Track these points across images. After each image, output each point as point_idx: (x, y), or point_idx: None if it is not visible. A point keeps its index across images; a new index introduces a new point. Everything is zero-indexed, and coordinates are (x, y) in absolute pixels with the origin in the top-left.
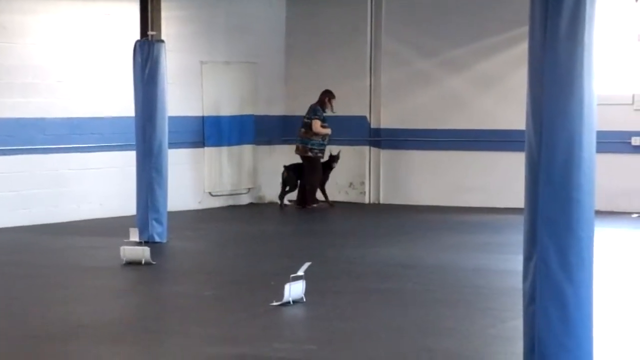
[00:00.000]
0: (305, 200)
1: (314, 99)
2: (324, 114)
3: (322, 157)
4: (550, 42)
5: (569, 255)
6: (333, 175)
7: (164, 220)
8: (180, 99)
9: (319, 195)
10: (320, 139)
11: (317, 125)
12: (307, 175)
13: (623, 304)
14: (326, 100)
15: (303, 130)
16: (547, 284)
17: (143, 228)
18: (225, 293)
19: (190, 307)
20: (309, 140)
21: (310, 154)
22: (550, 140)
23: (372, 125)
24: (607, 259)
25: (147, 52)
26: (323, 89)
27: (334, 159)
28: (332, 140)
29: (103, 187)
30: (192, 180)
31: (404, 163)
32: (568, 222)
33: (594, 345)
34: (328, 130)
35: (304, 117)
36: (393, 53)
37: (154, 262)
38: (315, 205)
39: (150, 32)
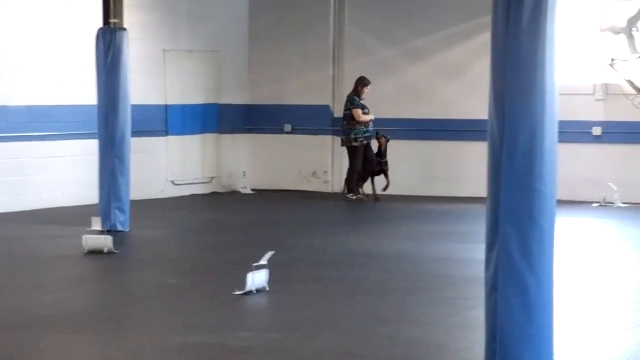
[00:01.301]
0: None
1: (277, 87)
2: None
3: (369, 144)
4: (513, 33)
5: (530, 244)
6: (296, 164)
7: (127, 208)
8: (143, 87)
9: (367, 187)
10: (363, 127)
11: (358, 113)
12: (349, 165)
13: (583, 292)
14: (360, 87)
15: (345, 122)
16: (509, 273)
17: (105, 217)
18: (188, 282)
19: (153, 296)
20: (351, 131)
21: (355, 143)
22: (512, 130)
23: (336, 115)
24: (569, 247)
25: (109, 40)
26: (285, 78)
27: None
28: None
29: (65, 175)
30: (155, 168)
31: None
32: (530, 211)
33: (554, 332)
34: (371, 116)
35: (343, 109)
36: (357, 42)
37: (116, 251)
38: (353, 196)
39: (112, 20)
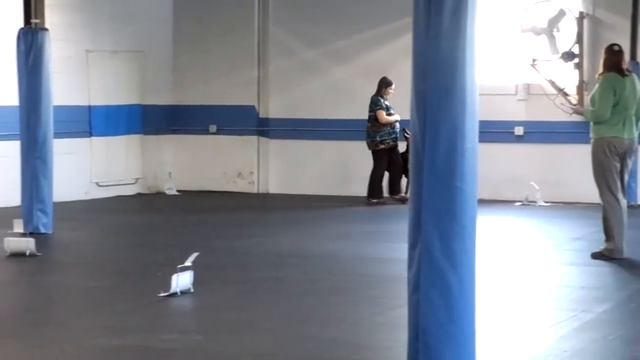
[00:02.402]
0: (391, 190)
1: (202, 88)
2: (386, 103)
3: (396, 146)
4: (433, 34)
5: (452, 243)
6: (221, 165)
7: (50, 211)
8: (65, 88)
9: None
10: (389, 128)
11: (382, 115)
12: (373, 168)
13: (505, 291)
14: (383, 88)
15: (369, 124)
16: (431, 272)
17: (28, 219)
18: (112, 284)
19: (76, 299)
20: (376, 133)
21: (382, 146)
22: (433, 131)
23: (261, 115)
24: (491, 246)
25: (30, 40)
26: (210, 78)
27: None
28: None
29: None
30: (79, 170)
31: (293, 153)
32: (451, 210)
33: (476, 331)
34: (396, 117)
35: (368, 111)
36: (281, 43)
37: (39, 254)
38: (374, 200)
39: (33, 20)
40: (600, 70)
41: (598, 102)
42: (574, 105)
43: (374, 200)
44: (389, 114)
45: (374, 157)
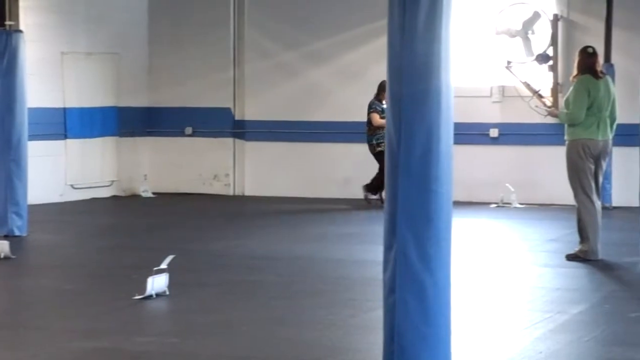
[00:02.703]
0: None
1: (178, 90)
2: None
3: None
4: (408, 36)
5: (427, 245)
6: (197, 167)
7: (24, 213)
8: (40, 90)
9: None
10: (384, 131)
11: (375, 118)
12: (378, 170)
13: (480, 293)
14: (382, 93)
15: (367, 128)
16: (406, 274)
17: (2, 222)
18: (87, 287)
19: (50, 302)
20: (372, 137)
21: (380, 148)
22: (408, 133)
23: (237, 117)
24: (466, 248)
25: (4, 42)
26: (185, 80)
27: None
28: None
29: None
30: (54, 172)
31: (269, 155)
32: (426, 213)
33: (452, 333)
34: None
35: (366, 115)
36: (256, 45)
37: (13, 256)
38: (373, 196)
39: (8, 22)
40: (575, 72)
41: (572, 104)
42: (549, 107)
43: (370, 195)
44: (383, 117)
45: (377, 160)
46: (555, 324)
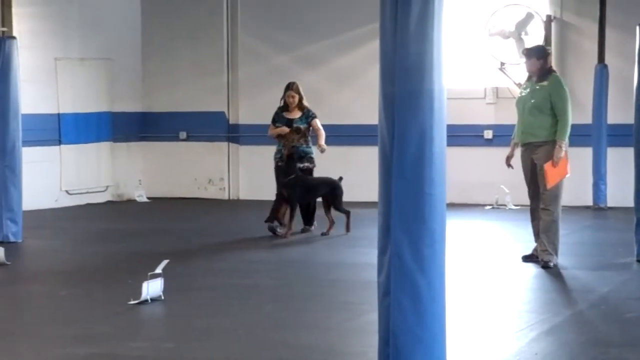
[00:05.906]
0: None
1: (172, 95)
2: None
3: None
4: (400, 38)
5: (421, 247)
6: (192, 171)
7: (19, 219)
8: (34, 96)
9: None
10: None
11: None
12: None
13: (475, 294)
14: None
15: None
16: (401, 277)
17: None
18: (82, 292)
19: (46, 307)
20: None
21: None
22: (401, 135)
23: (231, 121)
24: (461, 250)
25: None
26: (179, 85)
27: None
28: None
29: None
30: (49, 178)
31: (263, 159)
32: (420, 215)
33: (447, 335)
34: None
35: None
36: (250, 49)
37: (8, 263)
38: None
39: (1, 29)
40: (537, 73)
41: (567, 110)
42: None
43: (276, 227)
44: (277, 126)
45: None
46: (551, 325)
